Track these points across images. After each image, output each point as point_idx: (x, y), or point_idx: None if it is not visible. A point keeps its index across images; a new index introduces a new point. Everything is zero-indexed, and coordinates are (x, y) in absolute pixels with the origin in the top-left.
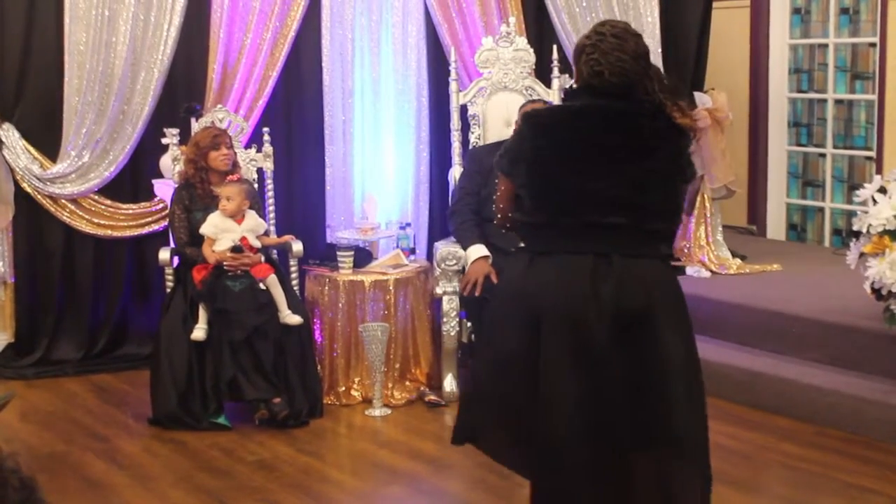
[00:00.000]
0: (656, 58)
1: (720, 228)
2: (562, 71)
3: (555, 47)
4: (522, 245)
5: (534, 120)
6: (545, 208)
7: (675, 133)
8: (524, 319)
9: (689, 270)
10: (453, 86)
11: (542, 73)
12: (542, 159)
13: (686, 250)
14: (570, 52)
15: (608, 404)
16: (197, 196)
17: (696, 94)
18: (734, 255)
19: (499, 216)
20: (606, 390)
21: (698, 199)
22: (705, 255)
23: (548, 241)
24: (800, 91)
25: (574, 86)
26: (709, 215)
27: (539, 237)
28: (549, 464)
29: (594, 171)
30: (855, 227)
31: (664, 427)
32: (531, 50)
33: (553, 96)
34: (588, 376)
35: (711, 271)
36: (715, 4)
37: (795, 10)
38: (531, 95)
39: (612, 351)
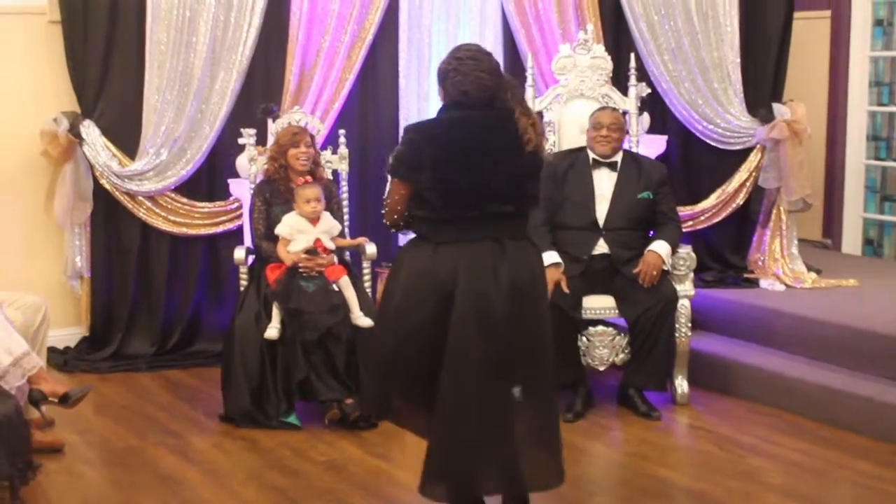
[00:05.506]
0: (735, 68)
1: (795, 241)
2: (639, 79)
3: (632, 55)
4: (417, 237)
5: (425, 132)
6: (453, 205)
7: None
8: (434, 296)
9: (764, 283)
10: (529, 92)
11: (620, 80)
12: (442, 164)
13: (760, 263)
14: (647, 60)
15: (506, 364)
16: (278, 191)
17: (775, 106)
18: (809, 268)
19: (394, 217)
20: (504, 352)
21: (774, 211)
22: (780, 269)
23: (451, 232)
24: (880, 104)
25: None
26: (784, 228)
27: (443, 230)
28: (456, 416)
29: (485, 169)
30: None
31: (542, 383)
32: (608, 57)
33: (629, 104)
34: (490, 341)
35: (786, 285)
36: (795, 15)
37: (877, 22)
38: (607, 103)
39: (508, 319)
